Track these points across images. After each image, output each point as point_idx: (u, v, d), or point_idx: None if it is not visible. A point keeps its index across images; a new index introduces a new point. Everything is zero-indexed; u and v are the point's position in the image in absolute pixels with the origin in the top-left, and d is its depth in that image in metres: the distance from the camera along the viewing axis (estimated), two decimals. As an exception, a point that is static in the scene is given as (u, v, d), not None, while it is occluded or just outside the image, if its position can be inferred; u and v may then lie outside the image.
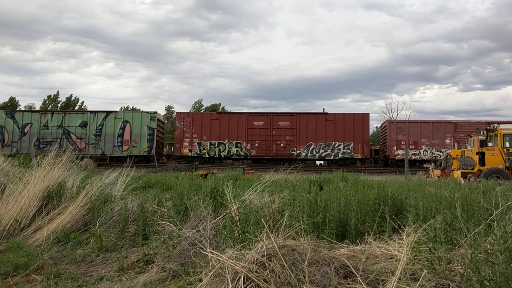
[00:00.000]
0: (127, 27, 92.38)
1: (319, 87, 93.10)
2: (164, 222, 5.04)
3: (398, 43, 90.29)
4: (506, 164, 14.82)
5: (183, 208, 5.45)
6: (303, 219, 4.06)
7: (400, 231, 3.64)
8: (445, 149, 25.18)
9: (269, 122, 26.46)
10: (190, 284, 3.21)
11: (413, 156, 25.41)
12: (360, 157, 25.82)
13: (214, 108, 50.42)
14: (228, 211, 4.57)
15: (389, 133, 26.30)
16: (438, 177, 15.64)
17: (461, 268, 2.87)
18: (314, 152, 26.11)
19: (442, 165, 16.77)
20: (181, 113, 27.48)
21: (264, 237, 2.97)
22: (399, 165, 24.92)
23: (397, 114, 50.17)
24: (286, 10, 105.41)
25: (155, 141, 26.33)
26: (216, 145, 26.51)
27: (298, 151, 26.14)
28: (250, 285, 2.57)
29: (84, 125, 26.61)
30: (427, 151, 25.82)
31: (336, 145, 25.97)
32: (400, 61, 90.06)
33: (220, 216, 4.93)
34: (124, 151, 26.09)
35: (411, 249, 2.94)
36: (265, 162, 26.68)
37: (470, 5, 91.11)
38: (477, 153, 15.42)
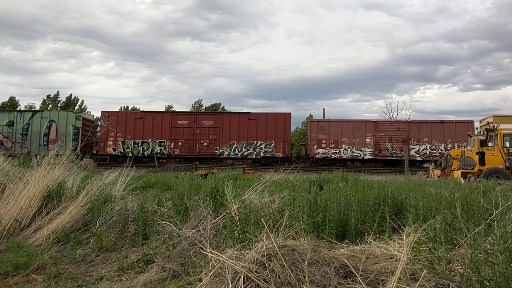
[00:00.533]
0: (127, 27, 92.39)
1: (319, 87, 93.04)
2: (164, 222, 5.05)
3: (398, 43, 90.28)
4: (506, 164, 14.82)
5: (183, 208, 5.45)
6: (303, 219, 4.06)
7: (400, 231, 3.65)
8: (364, 148, 25.96)
9: (193, 121, 26.94)
10: (190, 284, 3.21)
11: (333, 155, 25.99)
12: (281, 156, 26.33)
13: (214, 108, 50.37)
14: (228, 211, 4.57)
15: (310, 132, 26.61)
16: (438, 177, 15.65)
17: (461, 268, 2.87)
18: (237, 151, 26.60)
19: (442, 165, 16.78)
20: (105, 112, 27.78)
21: (264, 237, 2.97)
22: (320, 164, 25.48)
23: (397, 114, 50.08)
24: (286, 10, 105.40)
25: (79, 140, 26.80)
26: (140, 144, 26.85)
27: (221, 150, 26.60)
28: (250, 285, 2.57)
29: (10, 124, 27.03)
30: (347, 150, 26.23)
31: (258, 144, 26.50)
32: (400, 61, 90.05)
33: (220, 216, 4.93)
34: (50, 150, 26.36)
35: (411, 249, 2.95)
36: (186, 161, 27.10)
37: (470, 5, 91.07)
38: (477, 153, 15.42)
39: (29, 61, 79.72)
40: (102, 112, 28.24)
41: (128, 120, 27.13)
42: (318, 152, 26.12)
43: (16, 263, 4.15)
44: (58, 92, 52.14)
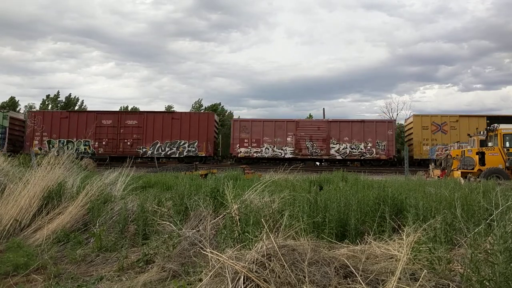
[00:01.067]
0: (128, 27, 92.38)
1: (319, 87, 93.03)
2: (164, 222, 5.05)
3: (398, 43, 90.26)
4: (506, 164, 14.81)
5: (183, 208, 5.45)
6: (303, 219, 4.06)
7: (400, 231, 3.64)
8: (285, 147, 26.39)
9: (118, 121, 27.25)
10: (190, 284, 3.21)
11: (255, 154, 26.33)
12: (204, 155, 26.76)
13: (214, 108, 50.38)
14: (228, 211, 4.57)
15: (233, 132, 27.03)
16: (438, 177, 15.65)
17: (461, 268, 2.87)
18: (160, 150, 26.96)
19: (442, 165, 16.77)
20: (32, 111, 28.17)
21: (264, 237, 2.97)
22: (241, 162, 25.81)
23: (397, 114, 50.04)
24: (286, 10, 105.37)
25: (7, 139, 26.89)
26: (65, 143, 27.11)
27: (144, 149, 26.97)
28: (250, 285, 2.57)
29: None
30: (268, 149, 26.56)
31: (181, 144, 26.93)
32: (400, 61, 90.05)
33: (220, 216, 4.93)
34: None
35: (411, 249, 2.95)
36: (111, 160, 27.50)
37: (470, 5, 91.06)
38: (477, 153, 15.42)
39: (29, 61, 79.77)
40: (28, 112, 29.15)
41: (54, 119, 27.49)
42: (241, 151, 26.56)
43: (16, 263, 4.15)
44: (58, 92, 52.13)
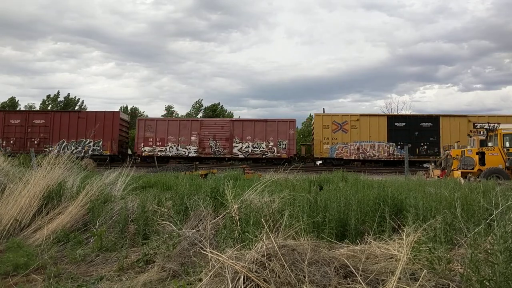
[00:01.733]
0: (128, 27, 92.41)
1: (319, 87, 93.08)
2: (164, 222, 5.05)
3: (398, 43, 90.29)
4: (506, 164, 14.81)
5: (183, 208, 5.45)
6: (303, 219, 4.06)
7: (400, 231, 3.64)
8: (189, 146, 26.72)
9: (25, 120, 27.61)
10: (190, 284, 3.21)
11: (159, 153, 26.58)
12: (109, 153, 26.99)
13: (214, 108, 50.40)
14: (228, 211, 4.57)
15: (138, 130, 27.27)
16: (438, 177, 15.64)
17: (461, 268, 2.87)
18: (66, 149, 26.93)
19: (442, 165, 16.77)
20: None
21: (264, 237, 2.97)
22: (147, 161, 26.19)
23: (396, 114, 50.08)
24: (286, 10, 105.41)
25: None
26: None
27: (51, 148, 26.93)
28: (250, 285, 2.57)
29: None
30: (173, 148, 26.83)
31: (87, 142, 27.19)
32: (400, 61, 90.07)
33: (220, 216, 4.93)
34: None
35: (411, 249, 2.94)
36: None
37: (470, 5, 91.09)
38: (477, 153, 15.42)
39: (29, 61, 79.81)
40: None
41: None
42: (145, 150, 26.80)
43: (16, 263, 4.15)
44: (58, 92, 52.16)
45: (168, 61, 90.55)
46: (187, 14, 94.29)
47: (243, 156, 26.44)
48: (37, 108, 50.06)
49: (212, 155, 26.77)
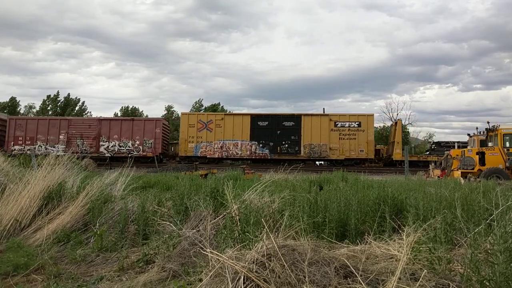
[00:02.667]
0: (128, 27, 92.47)
1: (320, 87, 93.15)
2: (164, 222, 5.05)
3: (398, 43, 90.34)
4: (506, 164, 14.81)
5: (183, 208, 5.45)
6: (303, 219, 4.06)
7: (400, 231, 3.64)
8: (57, 145, 27.01)
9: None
10: (190, 284, 3.21)
11: (28, 152, 26.55)
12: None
13: (214, 108, 50.40)
14: (228, 211, 4.57)
15: (8, 129, 27.30)
16: (438, 177, 15.64)
17: (461, 268, 2.87)
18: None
19: (442, 165, 16.77)
20: None
21: (264, 237, 2.97)
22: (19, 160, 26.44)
23: (397, 114, 50.05)
24: (286, 10, 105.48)
25: None
26: None
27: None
28: (250, 285, 2.57)
29: None
30: (41, 146, 27.13)
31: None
32: (400, 61, 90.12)
33: (220, 216, 4.93)
34: None
35: (411, 249, 2.94)
36: None
37: (470, 5, 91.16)
38: (477, 153, 15.41)
39: (29, 61, 79.87)
40: None
41: None
42: (15, 149, 26.94)
43: (16, 263, 4.15)
44: (58, 92, 52.10)
45: (168, 61, 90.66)
46: (187, 14, 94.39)
47: (110, 155, 26.78)
48: (37, 108, 50.04)
49: (78, 154, 27.15)
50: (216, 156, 26.21)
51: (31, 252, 4.54)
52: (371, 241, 3.47)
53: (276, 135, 26.14)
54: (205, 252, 3.13)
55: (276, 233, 3.37)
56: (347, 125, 25.71)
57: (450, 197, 4.96)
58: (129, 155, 26.29)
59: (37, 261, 4.27)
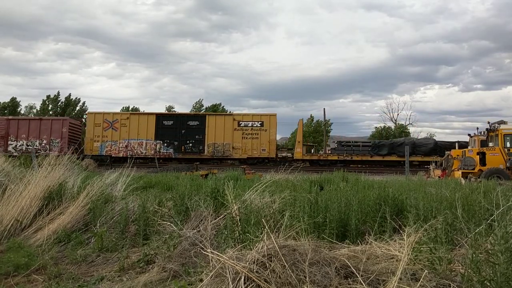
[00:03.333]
0: (129, 27, 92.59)
1: (320, 87, 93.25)
2: (165, 222, 5.05)
3: (398, 43, 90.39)
4: (507, 164, 14.80)
5: (183, 208, 5.45)
6: (304, 219, 4.06)
7: (401, 231, 3.64)
8: None
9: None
10: (191, 284, 3.22)
11: None
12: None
13: (214, 108, 50.41)
14: (228, 211, 4.57)
15: None
16: (439, 177, 15.63)
17: (462, 268, 2.87)
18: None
19: (443, 165, 16.75)
20: None
21: (265, 237, 2.97)
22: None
23: (398, 114, 50.17)
24: (286, 10, 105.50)
25: None
26: None
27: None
28: (250, 285, 2.57)
29: None
30: None
31: None
32: (400, 61, 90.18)
33: (221, 216, 4.93)
34: None
35: (411, 249, 2.94)
36: None
37: (470, 6, 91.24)
38: (478, 153, 15.40)
39: (30, 61, 80.00)
40: None
41: None
42: None
43: (17, 263, 4.15)
44: (58, 92, 52.10)
45: (169, 62, 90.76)
46: (188, 14, 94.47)
47: (17, 154, 26.52)
48: (38, 108, 50.06)
49: None
50: (121, 155, 26.37)
51: (32, 252, 4.55)
52: (371, 241, 3.47)
53: (181, 135, 26.52)
54: (205, 252, 3.13)
55: (277, 233, 3.37)
56: (250, 125, 26.27)
57: (451, 197, 4.95)
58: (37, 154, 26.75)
59: (37, 261, 4.28)
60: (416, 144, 25.90)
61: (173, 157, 26.47)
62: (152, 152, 26.40)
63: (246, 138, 26.05)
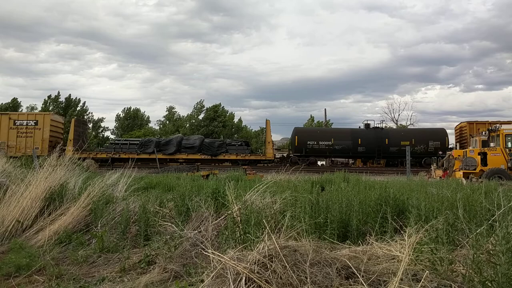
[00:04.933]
0: (130, 29, 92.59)
1: (321, 88, 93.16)
2: (166, 223, 5.05)
3: (399, 44, 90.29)
4: (508, 164, 14.77)
5: (184, 209, 5.45)
6: (305, 219, 4.05)
7: (402, 232, 3.63)
8: None
9: None
10: (192, 285, 3.21)
11: None
12: None
13: (215, 109, 50.39)
14: (229, 211, 4.57)
15: None
16: (440, 177, 15.61)
17: (463, 269, 2.86)
18: None
19: (444, 166, 16.73)
20: None
21: (266, 237, 2.96)
22: None
23: (399, 115, 50.08)
24: (288, 11, 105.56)
25: None
26: None
27: None
28: (251, 286, 2.57)
29: None
30: None
31: None
32: (401, 61, 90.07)
33: (222, 217, 4.93)
34: None
35: (413, 250, 2.94)
36: None
37: (472, 6, 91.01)
38: (479, 154, 15.38)
39: (32, 62, 80.00)
40: None
41: None
42: None
43: (18, 264, 4.16)
44: (58, 93, 52.10)
45: (170, 63, 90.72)
46: (190, 16, 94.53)
47: None
48: (39, 109, 50.06)
49: None
50: None
51: (33, 253, 4.55)
52: (372, 242, 3.47)
53: None
54: (206, 253, 3.13)
55: (278, 234, 3.37)
56: (25, 124, 26.60)
57: (452, 198, 4.94)
58: None
59: (39, 262, 4.28)
60: (183, 142, 27.03)
61: None
62: None
63: (21, 136, 26.40)
